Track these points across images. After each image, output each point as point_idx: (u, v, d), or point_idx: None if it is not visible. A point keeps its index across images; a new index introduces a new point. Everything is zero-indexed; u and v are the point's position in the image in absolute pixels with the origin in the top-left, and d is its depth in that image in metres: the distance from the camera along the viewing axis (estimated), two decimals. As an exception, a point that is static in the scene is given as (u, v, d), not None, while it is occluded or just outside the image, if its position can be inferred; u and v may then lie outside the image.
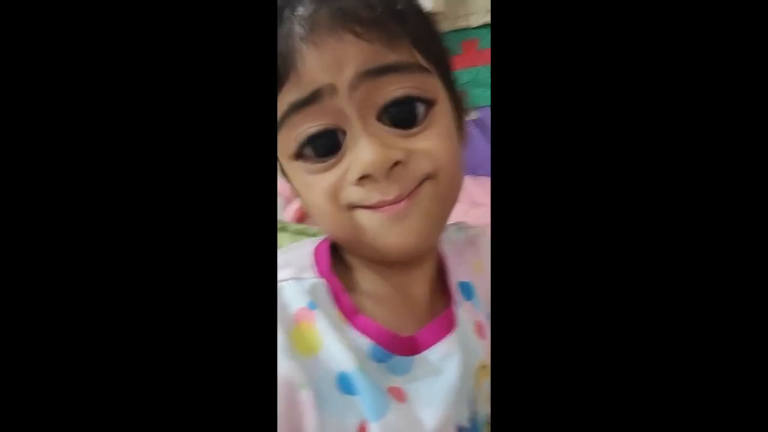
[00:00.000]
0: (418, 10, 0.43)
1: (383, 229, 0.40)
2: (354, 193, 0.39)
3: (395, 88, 0.38)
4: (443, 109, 0.41)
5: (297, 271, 0.44)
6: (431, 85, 0.40)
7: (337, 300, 0.43)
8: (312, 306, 0.42)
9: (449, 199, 0.43)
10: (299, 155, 0.40)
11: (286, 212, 0.88)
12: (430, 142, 0.39)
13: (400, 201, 0.39)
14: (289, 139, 0.40)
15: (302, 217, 0.87)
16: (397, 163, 0.38)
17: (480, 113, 1.00)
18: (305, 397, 0.38)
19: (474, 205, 0.51)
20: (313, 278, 0.44)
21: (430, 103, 0.40)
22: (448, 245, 0.53)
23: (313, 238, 0.50)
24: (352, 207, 0.40)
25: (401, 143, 0.39)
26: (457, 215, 0.48)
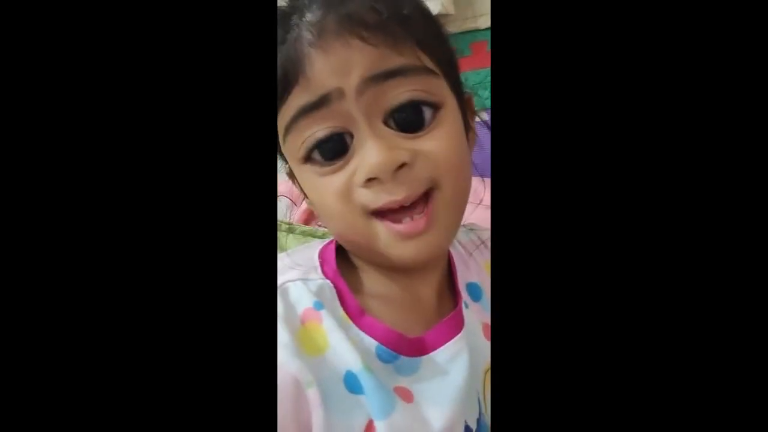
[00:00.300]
0: (425, 13, 0.43)
1: (398, 243, 0.40)
2: (362, 195, 0.40)
3: (401, 92, 0.38)
4: (450, 111, 0.41)
5: (303, 273, 0.44)
6: (438, 88, 0.40)
7: (343, 301, 0.43)
8: (318, 306, 0.42)
9: (460, 202, 0.43)
10: (308, 159, 0.40)
11: (293, 214, 0.89)
12: (436, 144, 0.39)
13: (414, 207, 0.40)
14: (297, 143, 0.40)
15: (309, 219, 0.87)
16: (403, 165, 0.38)
17: (489, 115, 1.00)
18: (312, 395, 0.38)
19: (479, 206, 0.51)
20: (319, 279, 0.44)
21: (436, 106, 0.40)
22: (458, 246, 0.53)
23: (321, 240, 0.50)
24: (368, 213, 0.40)
25: (407, 145, 0.39)
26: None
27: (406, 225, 0.40)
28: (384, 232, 0.40)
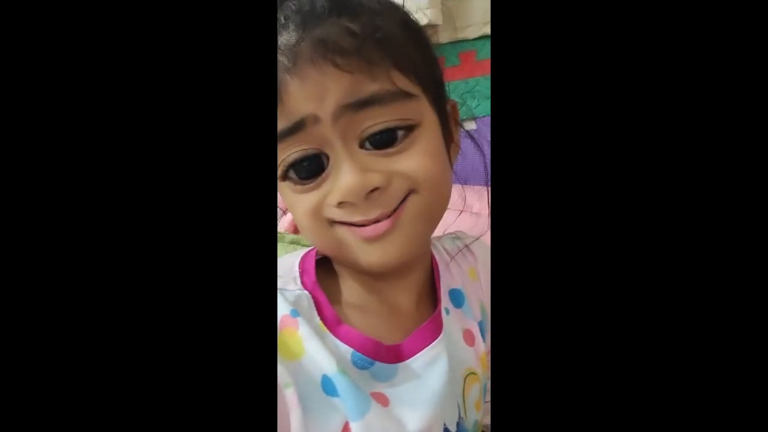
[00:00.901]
0: (406, 29, 0.43)
1: (365, 247, 0.41)
2: (335, 214, 0.40)
3: (376, 122, 0.39)
4: (428, 128, 0.41)
5: (282, 283, 0.45)
6: (414, 110, 0.40)
7: (321, 311, 0.44)
8: (294, 314, 0.43)
9: (434, 214, 0.44)
10: (285, 177, 0.41)
11: (281, 223, 0.89)
12: (412, 162, 0.40)
13: (382, 219, 0.40)
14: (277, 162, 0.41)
15: (297, 228, 0.87)
16: (376, 188, 0.39)
17: (477, 124, 1.01)
18: (290, 396, 0.39)
19: (463, 213, 0.52)
20: (297, 290, 0.45)
21: (412, 127, 0.40)
22: (442, 253, 0.53)
23: (305, 249, 0.50)
24: (334, 222, 0.41)
25: (383, 164, 0.39)
26: (446, 222, 0.48)
27: (369, 227, 0.40)
28: (350, 237, 0.41)
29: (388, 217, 0.40)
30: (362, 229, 0.40)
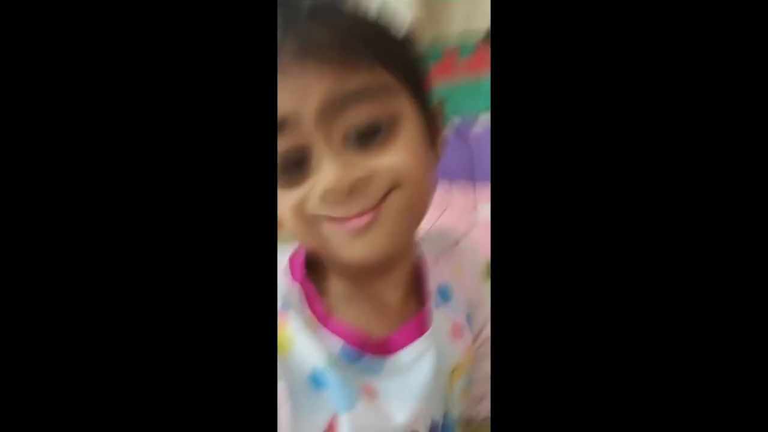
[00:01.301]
0: (387, 27, 0.43)
1: (346, 242, 0.41)
2: (318, 209, 0.41)
3: (358, 114, 0.39)
4: (410, 124, 0.42)
5: None
6: (396, 104, 0.41)
7: (310, 304, 0.45)
8: (285, 307, 0.44)
9: (417, 210, 0.44)
10: None
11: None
12: (394, 158, 0.40)
13: (364, 215, 0.40)
14: None
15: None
16: (359, 184, 0.39)
17: (461, 122, 1.02)
18: (280, 389, 0.40)
19: (449, 209, 0.53)
20: (287, 284, 0.45)
21: (395, 122, 0.41)
22: (429, 249, 0.54)
23: (292, 244, 0.51)
24: (317, 218, 0.41)
25: (365, 160, 0.40)
26: (432, 219, 0.49)
27: (352, 222, 0.40)
28: (334, 232, 0.41)
29: (371, 211, 0.40)
30: (345, 223, 0.41)
